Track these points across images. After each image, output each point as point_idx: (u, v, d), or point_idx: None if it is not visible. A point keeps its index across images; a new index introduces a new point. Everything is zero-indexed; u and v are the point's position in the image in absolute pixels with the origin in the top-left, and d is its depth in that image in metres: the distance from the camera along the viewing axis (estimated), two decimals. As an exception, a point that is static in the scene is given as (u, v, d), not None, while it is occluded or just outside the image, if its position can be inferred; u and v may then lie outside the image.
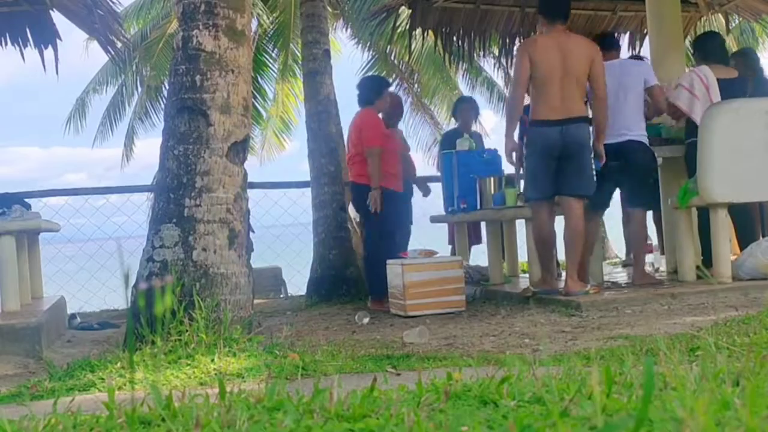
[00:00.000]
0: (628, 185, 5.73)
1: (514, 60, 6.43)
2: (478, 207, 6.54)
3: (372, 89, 6.60)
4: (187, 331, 3.63)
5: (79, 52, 13.77)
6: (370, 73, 13.54)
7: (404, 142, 7.44)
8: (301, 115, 14.75)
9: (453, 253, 7.57)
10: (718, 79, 5.72)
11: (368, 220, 6.43)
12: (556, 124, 5.20)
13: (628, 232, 6.03)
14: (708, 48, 6.10)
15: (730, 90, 5.70)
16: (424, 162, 15.68)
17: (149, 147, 14.33)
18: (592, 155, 5.30)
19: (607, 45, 5.88)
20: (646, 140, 5.65)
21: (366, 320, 5.50)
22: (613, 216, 7.91)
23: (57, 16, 6.79)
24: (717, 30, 8.18)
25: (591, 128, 5.32)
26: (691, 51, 6.47)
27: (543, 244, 5.44)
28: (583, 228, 5.32)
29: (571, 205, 5.31)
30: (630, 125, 5.56)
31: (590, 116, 5.37)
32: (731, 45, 14.24)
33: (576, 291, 5.23)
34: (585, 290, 5.26)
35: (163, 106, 11.85)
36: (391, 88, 7.77)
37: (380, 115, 6.55)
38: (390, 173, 6.39)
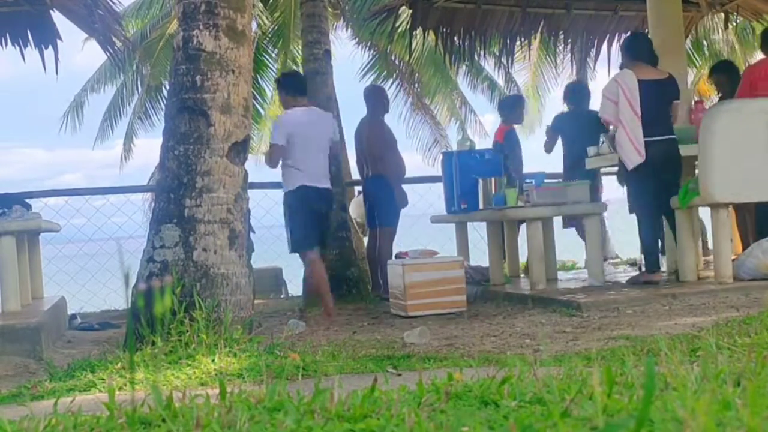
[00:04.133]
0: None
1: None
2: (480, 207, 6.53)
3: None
4: (187, 331, 3.63)
5: (83, 52, 13.76)
6: (370, 73, 13.57)
7: (390, 134, 7.08)
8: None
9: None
10: (646, 81, 5.51)
11: None
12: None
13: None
14: (636, 49, 5.83)
15: (658, 91, 5.54)
16: (424, 162, 15.69)
17: (147, 147, 14.34)
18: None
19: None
20: None
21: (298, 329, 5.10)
22: (611, 216, 7.93)
23: (57, 16, 6.80)
24: (717, 29, 8.17)
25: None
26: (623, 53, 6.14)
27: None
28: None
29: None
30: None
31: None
32: (734, 44, 14.25)
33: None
34: None
35: (163, 106, 11.85)
36: (391, 88, 7.51)
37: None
38: None
